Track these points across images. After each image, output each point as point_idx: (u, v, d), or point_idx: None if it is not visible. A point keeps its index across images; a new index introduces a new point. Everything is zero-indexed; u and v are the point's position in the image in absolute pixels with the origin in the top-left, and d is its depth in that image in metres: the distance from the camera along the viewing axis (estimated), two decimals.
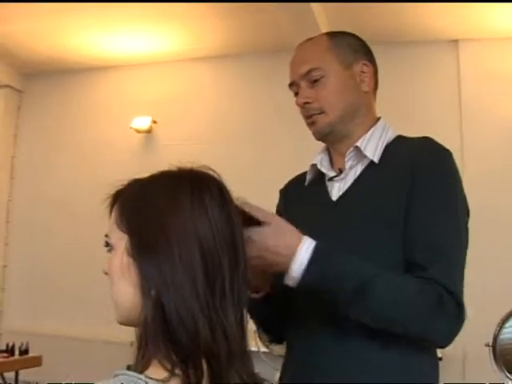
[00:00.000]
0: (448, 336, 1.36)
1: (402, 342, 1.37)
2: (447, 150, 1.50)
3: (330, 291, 1.30)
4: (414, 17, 4.46)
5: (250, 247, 1.22)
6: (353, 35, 1.66)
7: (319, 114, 1.57)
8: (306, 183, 1.66)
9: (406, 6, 4.25)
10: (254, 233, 1.25)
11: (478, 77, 4.73)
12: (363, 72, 1.59)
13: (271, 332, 1.72)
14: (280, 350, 3.52)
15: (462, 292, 1.36)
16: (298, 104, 1.60)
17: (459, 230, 1.42)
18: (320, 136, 1.61)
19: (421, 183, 1.43)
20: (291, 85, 1.63)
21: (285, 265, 1.29)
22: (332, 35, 1.64)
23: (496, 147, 4.54)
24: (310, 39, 1.66)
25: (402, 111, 4.44)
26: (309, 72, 1.56)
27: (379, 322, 1.33)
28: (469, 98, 4.69)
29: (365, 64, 1.59)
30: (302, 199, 1.61)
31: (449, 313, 1.32)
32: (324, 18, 4.36)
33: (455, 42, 4.80)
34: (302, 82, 1.58)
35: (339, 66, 1.57)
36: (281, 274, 1.32)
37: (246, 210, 1.22)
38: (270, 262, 1.29)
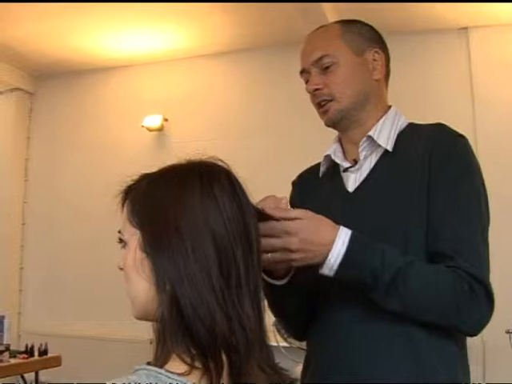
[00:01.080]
0: (480, 325, 1.36)
1: (432, 337, 1.36)
2: (463, 136, 1.49)
3: (365, 282, 1.30)
4: (422, 6, 4.43)
5: (291, 240, 1.25)
6: (365, 23, 1.64)
7: (330, 101, 1.55)
8: (320, 175, 1.65)
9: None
10: (291, 227, 1.25)
11: (489, 63, 4.70)
12: (375, 60, 1.58)
13: (290, 325, 1.71)
14: (299, 343, 3.53)
15: (489, 280, 1.36)
16: (308, 90, 1.59)
17: (482, 217, 1.41)
18: (331, 122, 1.59)
19: (439, 171, 1.41)
20: (302, 72, 1.62)
21: (323, 255, 1.29)
22: (344, 23, 1.63)
23: (509, 133, 4.50)
24: (322, 27, 1.65)
25: (414, 100, 4.42)
26: (320, 59, 1.55)
27: (414, 311, 1.33)
28: (480, 84, 4.66)
29: (376, 52, 1.58)
30: (317, 191, 1.60)
31: (480, 302, 1.32)
32: (333, 11, 4.34)
33: (465, 29, 4.77)
34: (313, 69, 1.57)
35: (351, 52, 1.55)
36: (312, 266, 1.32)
37: (277, 215, 1.24)
38: (311, 254, 1.29)
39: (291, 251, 1.27)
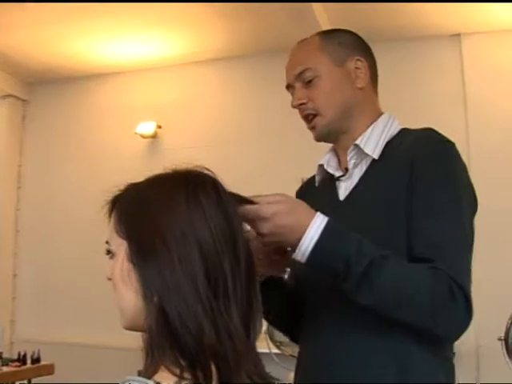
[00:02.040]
0: (455, 331, 1.34)
1: (417, 347, 1.36)
2: (449, 141, 1.47)
3: (338, 270, 1.28)
4: (414, 13, 4.44)
5: (262, 224, 1.24)
6: (346, 31, 1.65)
7: (315, 115, 1.57)
8: (316, 184, 1.66)
9: (406, 3, 4.25)
10: (268, 208, 1.24)
11: (481, 69, 4.72)
12: (357, 67, 1.58)
13: (280, 324, 1.72)
14: (291, 350, 3.52)
15: (469, 287, 1.33)
16: (292, 106, 1.61)
17: (463, 223, 1.39)
18: (320, 138, 1.62)
19: (420, 176, 1.41)
20: (288, 87, 1.64)
21: (297, 240, 1.28)
22: (324, 34, 1.64)
23: (502, 140, 4.51)
24: (303, 40, 1.66)
25: (406, 107, 4.43)
26: (301, 73, 1.57)
27: (386, 306, 1.30)
28: (473, 91, 4.67)
29: (358, 60, 1.58)
30: (313, 201, 1.62)
31: (458, 306, 1.29)
32: (325, 18, 4.35)
33: (457, 35, 4.78)
34: (296, 84, 1.59)
35: (331, 64, 1.57)
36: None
37: (256, 200, 1.24)
38: (283, 238, 1.29)
39: (263, 235, 1.26)
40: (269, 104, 5.22)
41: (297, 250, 1.29)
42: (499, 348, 3.14)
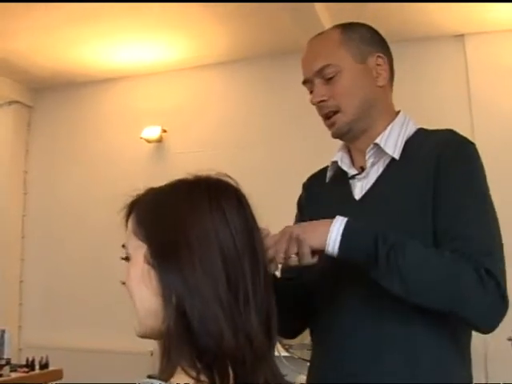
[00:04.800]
0: (489, 316, 1.30)
1: (432, 342, 1.35)
2: (472, 143, 1.47)
3: (366, 253, 1.29)
4: (417, 14, 4.44)
5: (291, 230, 1.30)
6: (365, 26, 1.62)
7: (335, 113, 1.54)
8: (327, 180, 1.63)
9: (410, 3, 4.25)
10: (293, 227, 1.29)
11: (485, 69, 4.71)
12: (378, 65, 1.56)
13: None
14: (300, 353, 3.52)
15: (503, 276, 1.30)
16: (312, 102, 1.57)
17: (490, 221, 1.39)
18: (339, 135, 1.59)
19: (447, 178, 1.40)
20: (305, 82, 1.59)
21: (323, 236, 1.31)
22: (344, 28, 1.59)
23: (507, 139, 4.50)
24: (322, 33, 1.62)
25: (411, 108, 4.36)
26: (322, 69, 1.53)
27: (416, 289, 1.28)
28: (477, 91, 4.66)
29: (379, 56, 1.56)
30: (324, 197, 1.60)
31: (488, 291, 1.26)
32: (328, 18, 4.35)
33: (461, 36, 4.77)
34: (316, 80, 1.55)
35: (353, 60, 1.53)
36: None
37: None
38: (312, 234, 1.32)
39: (297, 235, 1.30)
40: (273, 106, 5.22)
41: (327, 242, 1.30)
42: (509, 348, 3.13)
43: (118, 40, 4.97)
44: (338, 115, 1.54)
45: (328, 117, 1.56)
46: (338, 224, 1.30)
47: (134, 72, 5.63)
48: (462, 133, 1.54)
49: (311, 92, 1.58)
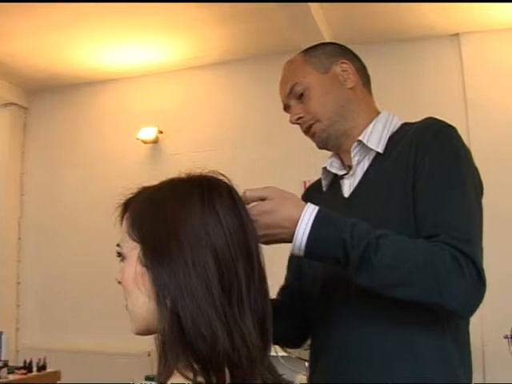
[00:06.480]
0: (467, 302, 1.28)
1: (431, 339, 1.35)
2: (450, 126, 1.47)
3: (337, 257, 1.26)
4: (412, 14, 4.45)
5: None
6: (328, 43, 1.72)
7: (313, 123, 1.60)
8: (324, 189, 1.67)
9: (404, 3, 4.27)
10: (253, 209, 1.22)
11: (481, 68, 4.72)
12: (344, 70, 1.61)
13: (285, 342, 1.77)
14: (298, 353, 3.52)
15: (480, 259, 1.29)
16: (292, 122, 1.64)
17: (469, 203, 1.37)
18: (322, 143, 1.64)
19: (425, 163, 1.40)
20: (285, 109, 1.68)
21: (289, 235, 1.27)
22: (306, 50, 1.68)
23: (503, 139, 4.51)
24: (288, 61, 1.70)
25: (406, 108, 4.39)
26: (292, 89, 1.62)
27: (389, 285, 1.26)
28: (473, 90, 4.68)
29: (343, 62, 1.62)
30: (320, 205, 1.61)
31: (465, 275, 1.24)
32: (323, 19, 4.36)
33: (456, 35, 4.79)
34: (291, 101, 1.63)
35: (317, 73, 1.61)
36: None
37: (247, 194, 1.23)
38: (277, 237, 1.28)
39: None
40: (270, 106, 5.19)
41: (292, 245, 1.28)
42: (505, 346, 3.14)
43: (114, 41, 4.97)
44: (316, 124, 1.60)
45: (308, 131, 1.63)
46: (301, 233, 1.27)
47: (130, 73, 5.63)
48: None
49: None
